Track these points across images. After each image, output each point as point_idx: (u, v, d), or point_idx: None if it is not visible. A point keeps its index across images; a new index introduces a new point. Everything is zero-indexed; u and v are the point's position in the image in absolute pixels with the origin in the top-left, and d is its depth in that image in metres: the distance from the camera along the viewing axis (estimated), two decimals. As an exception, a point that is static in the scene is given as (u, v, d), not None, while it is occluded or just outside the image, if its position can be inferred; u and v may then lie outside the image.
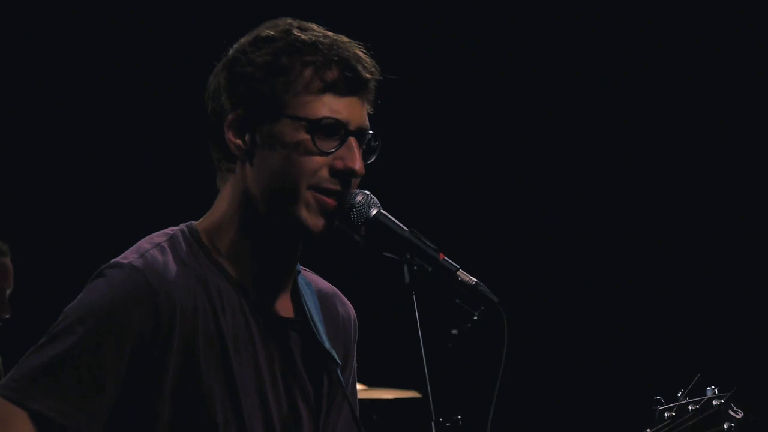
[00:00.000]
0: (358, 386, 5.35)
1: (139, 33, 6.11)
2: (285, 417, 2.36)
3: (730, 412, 3.61)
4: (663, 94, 6.41)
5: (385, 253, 2.41)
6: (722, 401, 3.59)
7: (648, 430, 3.86)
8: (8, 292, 4.79)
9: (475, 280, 2.42)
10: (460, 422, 3.04)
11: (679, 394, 3.73)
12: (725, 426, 3.57)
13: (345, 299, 2.59)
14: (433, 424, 2.41)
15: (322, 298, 2.52)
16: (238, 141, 2.33)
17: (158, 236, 2.35)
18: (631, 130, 6.46)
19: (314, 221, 2.34)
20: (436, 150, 6.47)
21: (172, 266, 2.27)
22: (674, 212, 6.46)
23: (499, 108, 6.48)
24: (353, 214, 2.36)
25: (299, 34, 2.34)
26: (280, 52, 2.32)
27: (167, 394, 2.23)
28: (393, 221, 2.40)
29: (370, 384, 5.45)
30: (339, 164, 2.34)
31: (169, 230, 2.38)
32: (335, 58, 2.32)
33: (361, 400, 5.35)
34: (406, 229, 2.40)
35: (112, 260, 2.28)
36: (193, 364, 2.25)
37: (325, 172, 2.33)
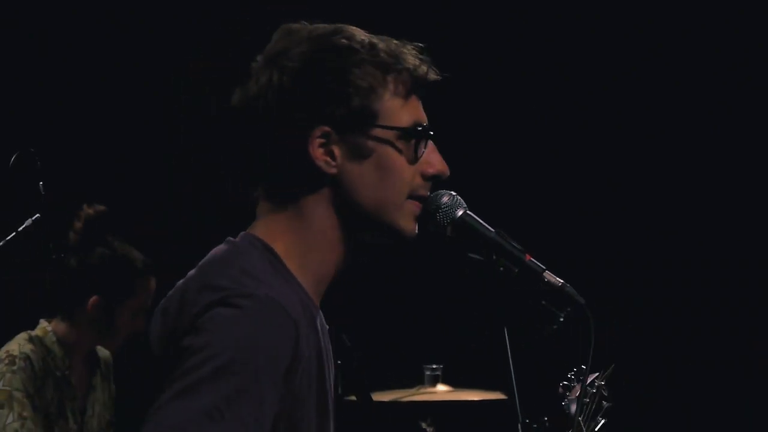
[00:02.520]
0: (443, 387, 5.37)
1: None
2: None
3: (603, 391, 3.78)
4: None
5: (470, 255, 2.40)
6: (602, 382, 3.75)
7: (579, 418, 3.91)
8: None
9: (562, 281, 2.42)
10: (547, 424, 3.02)
11: (571, 376, 3.82)
12: (604, 404, 3.72)
13: None
14: (519, 425, 2.41)
15: None
16: (327, 158, 2.26)
17: (249, 252, 2.24)
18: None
19: (411, 227, 2.32)
20: (518, 150, 6.45)
21: (289, 292, 2.21)
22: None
23: (578, 104, 6.45)
24: (439, 215, 2.36)
25: (370, 39, 2.30)
26: (365, 62, 2.27)
27: (283, 426, 2.16)
28: (479, 222, 2.39)
29: (456, 385, 5.45)
30: (431, 169, 2.32)
31: (246, 244, 2.26)
32: (413, 64, 2.30)
33: (447, 402, 5.37)
34: (492, 230, 2.39)
35: (237, 288, 2.14)
36: (305, 393, 2.19)
37: (419, 179, 2.31)
